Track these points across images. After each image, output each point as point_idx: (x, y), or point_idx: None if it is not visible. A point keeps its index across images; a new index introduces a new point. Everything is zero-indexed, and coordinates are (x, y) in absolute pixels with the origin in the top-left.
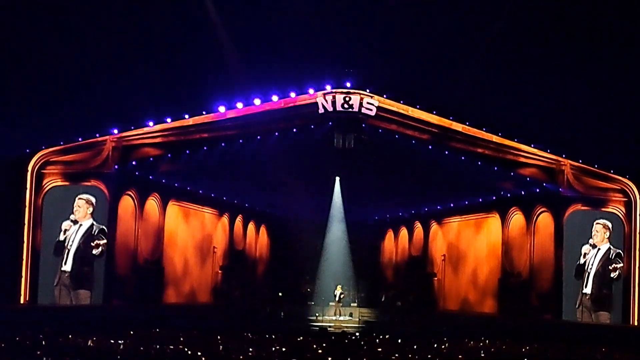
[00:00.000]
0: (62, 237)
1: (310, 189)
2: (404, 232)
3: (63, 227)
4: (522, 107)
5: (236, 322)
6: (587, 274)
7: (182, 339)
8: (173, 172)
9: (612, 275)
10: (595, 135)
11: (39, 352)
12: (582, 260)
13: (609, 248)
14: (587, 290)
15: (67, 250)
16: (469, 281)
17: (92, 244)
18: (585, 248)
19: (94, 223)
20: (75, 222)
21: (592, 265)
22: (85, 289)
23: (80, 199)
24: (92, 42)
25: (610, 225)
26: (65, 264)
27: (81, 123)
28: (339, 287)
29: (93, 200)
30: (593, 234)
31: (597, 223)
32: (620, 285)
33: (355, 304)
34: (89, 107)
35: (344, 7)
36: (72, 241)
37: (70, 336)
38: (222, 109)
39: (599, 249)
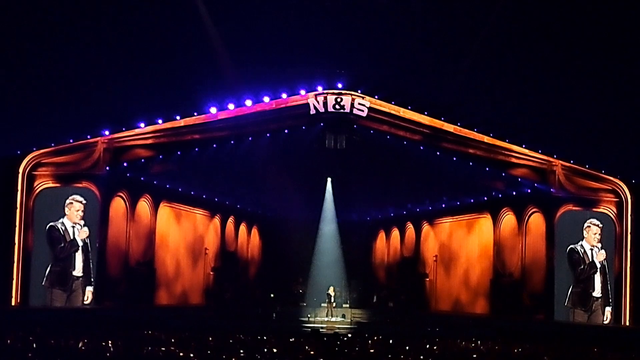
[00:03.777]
0: (68, 238)
1: (302, 190)
2: (395, 232)
3: (66, 228)
4: (513, 107)
5: (228, 323)
6: (592, 277)
7: (173, 340)
8: (164, 174)
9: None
10: (586, 136)
11: (29, 354)
12: (587, 262)
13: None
14: (597, 293)
15: (74, 256)
16: (460, 282)
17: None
18: (588, 252)
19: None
20: (75, 225)
21: (595, 267)
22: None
23: (76, 201)
24: (82, 44)
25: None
26: (75, 269)
27: (72, 124)
28: (331, 288)
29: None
30: (591, 235)
31: (593, 225)
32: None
33: (348, 305)
34: (80, 108)
35: (335, 9)
36: (77, 246)
37: (61, 338)
38: (213, 110)
39: (592, 248)
